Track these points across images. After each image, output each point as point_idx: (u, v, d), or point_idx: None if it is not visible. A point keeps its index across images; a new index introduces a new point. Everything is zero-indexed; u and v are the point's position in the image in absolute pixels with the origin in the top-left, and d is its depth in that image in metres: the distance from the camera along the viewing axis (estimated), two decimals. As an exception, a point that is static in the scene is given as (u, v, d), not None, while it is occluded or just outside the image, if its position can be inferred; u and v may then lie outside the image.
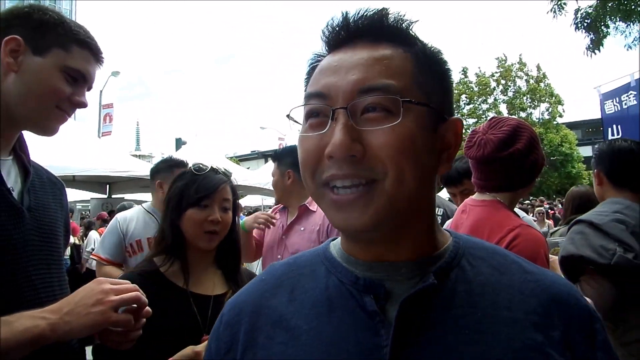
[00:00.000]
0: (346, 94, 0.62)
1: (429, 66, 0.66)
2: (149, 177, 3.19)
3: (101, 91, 20.77)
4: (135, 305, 1.11)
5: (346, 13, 0.68)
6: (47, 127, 1.19)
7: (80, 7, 51.63)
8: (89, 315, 1.03)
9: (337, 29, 0.68)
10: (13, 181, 1.18)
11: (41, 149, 8.87)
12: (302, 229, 2.61)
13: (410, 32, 0.68)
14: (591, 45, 6.57)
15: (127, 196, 9.91)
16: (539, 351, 0.59)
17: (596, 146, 2.19)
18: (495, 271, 0.66)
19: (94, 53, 1.21)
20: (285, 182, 2.66)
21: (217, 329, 0.73)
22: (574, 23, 6.60)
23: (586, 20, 6.51)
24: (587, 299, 0.69)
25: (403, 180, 0.60)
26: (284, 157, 2.73)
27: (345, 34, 0.67)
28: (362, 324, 0.62)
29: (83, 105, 1.21)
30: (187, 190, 1.56)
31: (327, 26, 0.69)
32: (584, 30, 6.56)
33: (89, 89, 1.23)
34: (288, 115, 0.69)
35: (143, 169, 7.77)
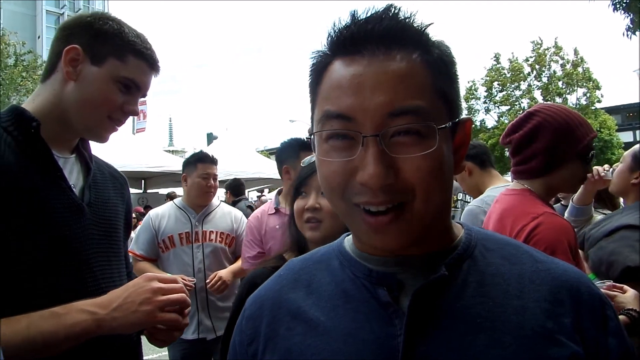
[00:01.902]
0: (375, 118, 0.60)
1: (446, 72, 0.65)
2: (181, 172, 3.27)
3: (134, 88, 21.15)
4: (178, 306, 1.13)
5: (356, 14, 0.64)
6: (98, 135, 1.25)
7: (112, 6, 52.90)
8: (136, 314, 1.07)
9: (347, 32, 0.64)
10: (75, 178, 1.24)
11: (79, 147, 9.15)
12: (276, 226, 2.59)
13: (428, 37, 0.65)
14: (631, 26, 6.31)
15: (162, 191, 10.16)
16: (549, 338, 0.60)
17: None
18: (506, 261, 0.67)
19: (149, 63, 1.25)
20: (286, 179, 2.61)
21: (240, 322, 0.76)
22: (612, 4, 6.34)
23: (625, 0, 6.25)
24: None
25: (432, 199, 0.61)
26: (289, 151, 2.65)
27: (357, 39, 0.63)
28: (376, 315, 0.64)
29: (135, 113, 1.25)
30: (295, 182, 1.54)
31: (334, 28, 0.65)
32: (622, 11, 6.29)
33: (142, 96, 1.27)
34: (310, 139, 0.67)
35: (176, 164, 7.94)
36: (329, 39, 0.66)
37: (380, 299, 0.64)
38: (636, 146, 2.19)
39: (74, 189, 1.19)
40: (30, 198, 1.06)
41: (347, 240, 0.76)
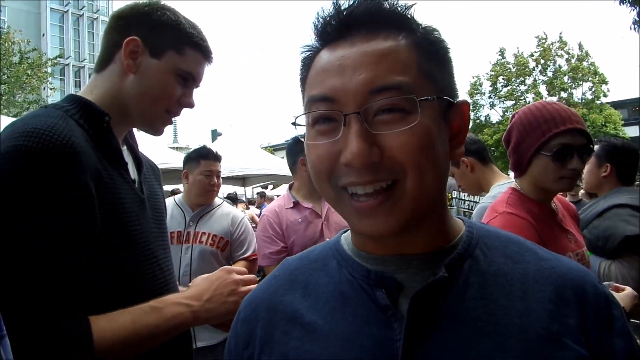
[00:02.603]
0: (357, 96, 0.59)
1: (433, 51, 0.64)
2: (185, 169, 3.22)
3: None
4: None
5: (337, 2, 0.64)
6: (155, 128, 1.24)
7: (116, 3, 52.93)
8: (225, 305, 1.11)
9: (329, 20, 0.64)
10: (131, 172, 1.22)
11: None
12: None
13: (411, 17, 0.64)
14: (637, 20, 6.25)
15: (166, 187, 10.18)
16: (554, 341, 0.58)
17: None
18: (509, 260, 0.65)
19: (205, 54, 1.24)
20: (303, 172, 2.58)
21: (235, 325, 0.74)
22: (618, -3, 6.28)
23: (631, -7, 6.19)
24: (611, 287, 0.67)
25: (424, 179, 0.59)
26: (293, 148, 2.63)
27: (339, 25, 0.63)
28: (375, 318, 0.62)
29: (191, 106, 1.24)
30: None
31: (317, 17, 0.65)
32: (628, 4, 6.24)
33: (196, 87, 1.26)
34: (294, 123, 0.67)
35: (180, 161, 7.94)
36: (315, 30, 0.66)
37: (378, 301, 0.62)
38: (597, 146, 2.47)
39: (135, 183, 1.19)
40: (109, 194, 1.05)
41: (345, 238, 0.74)
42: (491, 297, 0.61)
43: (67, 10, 48.03)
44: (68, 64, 46.15)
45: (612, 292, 1.56)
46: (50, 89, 24.16)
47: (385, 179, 0.58)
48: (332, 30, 0.64)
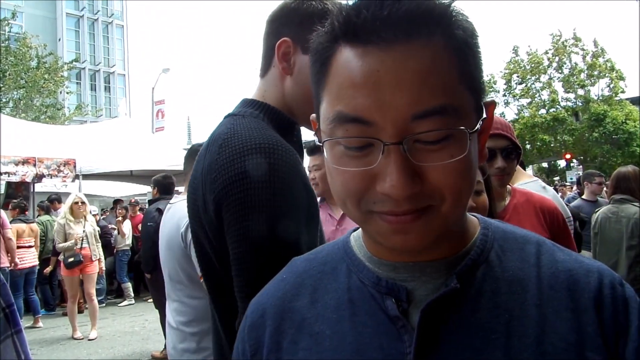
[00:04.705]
0: (397, 122, 0.52)
1: (472, 55, 0.58)
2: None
3: (153, 88, 21.48)
4: None
5: (372, 1, 0.54)
6: None
7: (130, 6, 53.47)
8: None
9: (358, 18, 0.54)
10: None
11: (100, 147, 9.30)
12: None
13: (453, 16, 0.56)
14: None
15: (181, 188, 10.25)
16: (571, 352, 0.55)
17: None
18: (525, 264, 0.61)
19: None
20: (326, 175, 2.57)
21: (242, 330, 0.71)
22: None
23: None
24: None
25: (461, 201, 0.57)
26: (318, 151, 2.60)
27: (373, 28, 0.53)
28: (384, 329, 0.59)
29: None
30: None
31: (342, 12, 0.57)
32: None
33: None
34: (321, 147, 0.60)
35: (195, 163, 8.00)
36: (336, 23, 0.57)
37: (388, 311, 0.60)
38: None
39: None
40: (313, 199, 1.09)
41: (355, 239, 0.70)
42: (505, 306, 0.58)
43: (83, 15, 48.67)
44: (84, 67, 46.75)
45: None
46: (67, 92, 24.52)
47: (423, 205, 0.55)
48: (360, 31, 0.54)
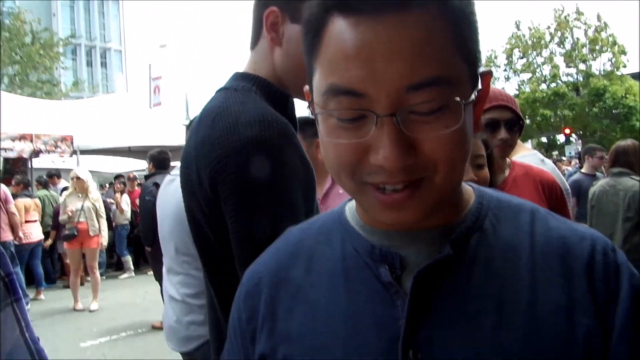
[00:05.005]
0: (391, 93, 0.51)
1: (468, 23, 0.56)
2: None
3: (150, 64, 21.27)
4: None
5: None
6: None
7: (125, -19, 52.48)
8: None
9: None
10: None
11: (97, 123, 9.26)
12: (340, 191, 2.54)
13: None
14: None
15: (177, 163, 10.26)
16: (562, 316, 0.55)
17: None
18: (519, 231, 0.61)
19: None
20: (314, 153, 2.49)
21: (238, 298, 0.72)
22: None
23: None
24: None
25: (454, 172, 0.56)
26: (306, 128, 2.47)
27: None
28: (378, 296, 0.60)
29: None
30: None
31: None
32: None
33: None
34: (314, 118, 0.60)
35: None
36: None
37: (382, 278, 0.60)
38: None
39: None
40: (310, 170, 1.09)
41: (349, 209, 0.70)
42: (498, 273, 0.58)
43: (77, -11, 47.80)
44: (80, 43, 46.16)
45: None
46: (63, 68, 24.28)
47: (416, 176, 0.55)
48: (354, 2, 0.53)
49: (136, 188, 9.08)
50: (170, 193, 2.52)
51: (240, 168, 0.96)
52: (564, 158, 15.39)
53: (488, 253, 0.60)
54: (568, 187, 2.43)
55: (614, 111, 23.65)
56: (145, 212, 4.85)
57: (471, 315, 0.56)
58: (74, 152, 8.58)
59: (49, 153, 8.43)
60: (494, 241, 0.61)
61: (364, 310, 0.60)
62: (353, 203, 0.70)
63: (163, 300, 2.37)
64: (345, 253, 0.65)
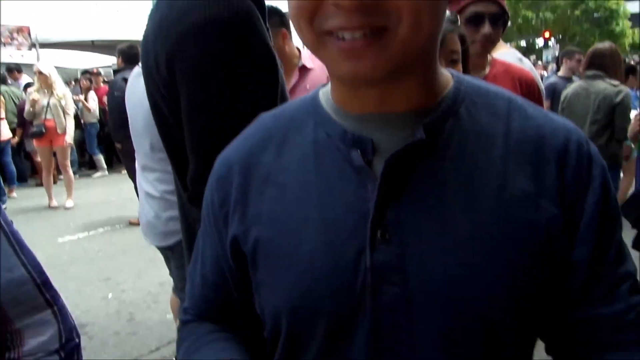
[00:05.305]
0: None
1: None
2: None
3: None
4: None
5: None
6: None
7: None
8: None
9: None
10: None
11: (57, 13, 8.60)
12: (307, 86, 2.50)
13: None
14: None
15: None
16: (528, 201, 0.57)
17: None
18: (495, 118, 0.61)
19: None
20: (281, 44, 2.42)
21: (210, 183, 0.72)
22: None
23: None
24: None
25: (420, 25, 0.52)
26: (272, 17, 2.32)
27: None
28: (348, 179, 0.60)
29: None
30: None
31: None
32: None
33: None
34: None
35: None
36: None
37: (353, 162, 0.60)
38: None
39: None
40: (271, 53, 1.05)
41: (323, 94, 0.68)
42: (471, 157, 0.58)
43: None
44: None
45: None
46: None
47: (377, 24, 0.51)
48: None
49: (102, 85, 8.72)
50: (140, 86, 2.43)
51: (197, 46, 0.94)
52: (540, 62, 15.32)
53: (462, 139, 0.59)
54: (543, 88, 2.44)
55: (595, 14, 23.22)
56: (114, 107, 4.72)
57: (441, 197, 0.57)
58: (33, 45, 8.06)
59: (4, 46, 7.90)
60: (469, 127, 0.60)
61: (335, 192, 0.60)
62: (327, 88, 0.68)
63: (138, 197, 2.37)
64: (317, 138, 0.64)
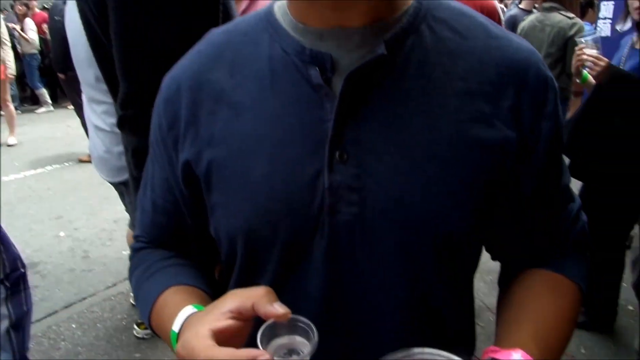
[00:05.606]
0: None
1: None
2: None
3: None
4: None
5: None
6: None
7: None
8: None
9: None
10: None
11: None
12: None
13: None
14: None
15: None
16: (484, 122, 0.57)
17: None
18: (457, 36, 0.59)
19: None
20: None
21: (157, 105, 0.67)
22: None
23: None
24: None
25: None
26: None
27: None
28: (306, 98, 0.58)
29: None
30: None
31: None
32: None
33: None
34: None
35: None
36: None
37: (311, 80, 0.57)
38: None
39: None
40: None
41: (278, 8, 0.64)
42: (431, 76, 0.57)
43: None
44: None
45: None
46: None
47: None
48: None
49: (37, 10, 8.06)
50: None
51: None
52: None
53: (423, 56, 0.58)
54: (503, 20, 2.44)
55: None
56: (55, 34, 4.41)
57: (400, 117, 0.56)
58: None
59: None
60: (430, 44, 0.58)
61: (292, 111, 0.58)
62: (283, 2, 0.63)
63: (86, 131, 2.26)
64: (273, 54, 0.61)
